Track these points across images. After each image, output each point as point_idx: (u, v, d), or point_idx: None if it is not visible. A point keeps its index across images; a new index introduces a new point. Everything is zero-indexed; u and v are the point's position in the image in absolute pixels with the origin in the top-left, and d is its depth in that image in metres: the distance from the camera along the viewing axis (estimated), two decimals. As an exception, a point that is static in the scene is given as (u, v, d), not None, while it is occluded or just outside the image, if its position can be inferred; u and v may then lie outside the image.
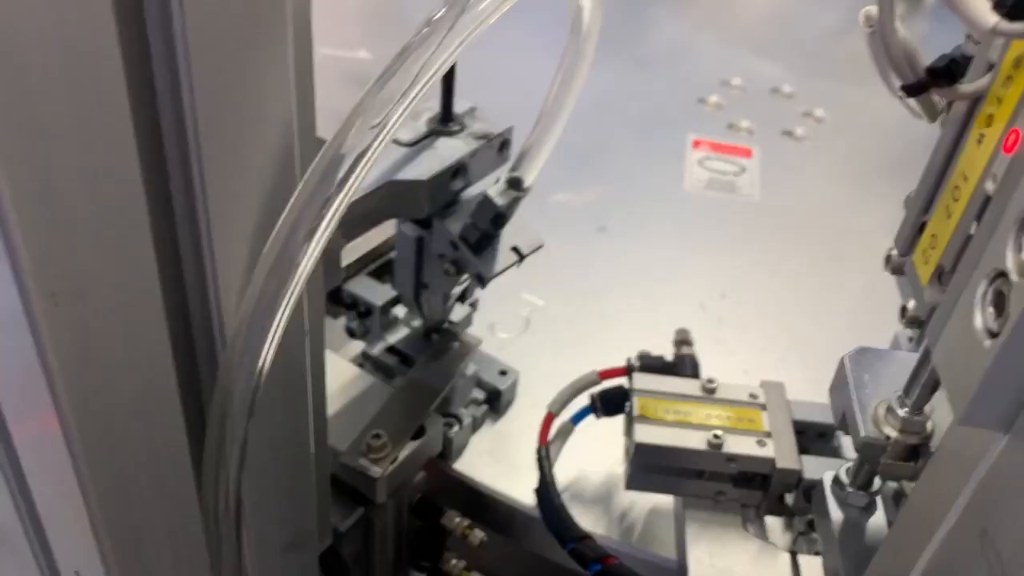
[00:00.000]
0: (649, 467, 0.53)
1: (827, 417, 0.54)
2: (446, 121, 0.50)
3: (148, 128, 0.30)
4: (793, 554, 0.52)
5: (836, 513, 0.47)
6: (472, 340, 0.59)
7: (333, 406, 0.55)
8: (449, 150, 0.49)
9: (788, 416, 0.54)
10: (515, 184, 0.49)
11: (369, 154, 0.32)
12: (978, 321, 0.28)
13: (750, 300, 0.79)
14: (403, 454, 0.53)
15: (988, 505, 0.29)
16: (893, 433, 0.41)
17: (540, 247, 0.52)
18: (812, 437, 0.54)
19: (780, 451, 0.52)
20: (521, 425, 0.65)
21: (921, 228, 0.38)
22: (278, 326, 0.32)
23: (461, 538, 0.58)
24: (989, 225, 0.31)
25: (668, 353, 0.58)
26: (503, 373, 0.65)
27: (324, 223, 0.32)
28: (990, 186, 0.31)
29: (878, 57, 0.33)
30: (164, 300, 0.33)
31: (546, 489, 0.52)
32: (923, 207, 0.38)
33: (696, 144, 0.96)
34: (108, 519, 0.35)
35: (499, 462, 0.63)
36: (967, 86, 0.33)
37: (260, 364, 0.33)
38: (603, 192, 0.88)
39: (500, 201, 0.48)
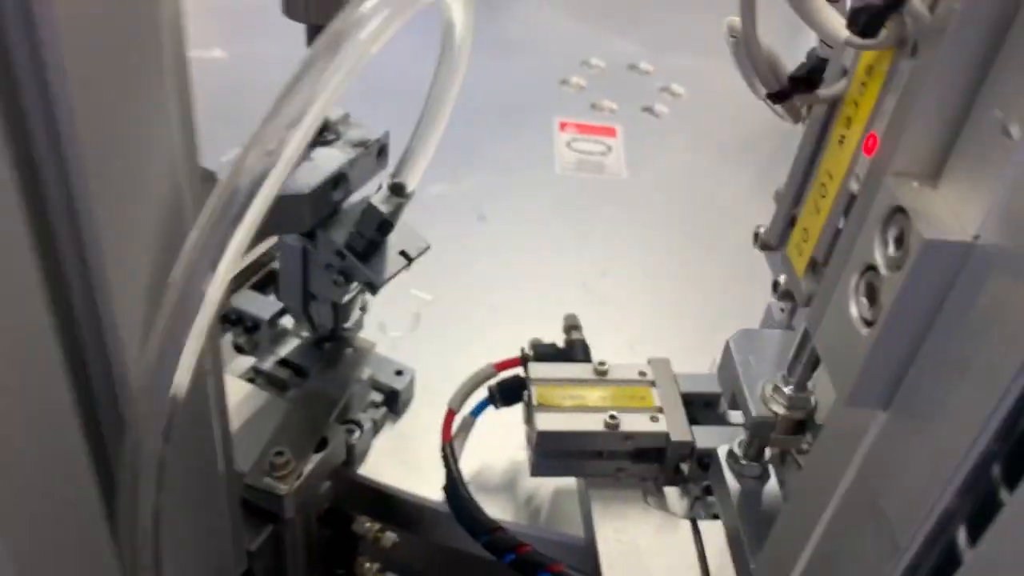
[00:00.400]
0: (552, 452, 0.54)
1: (712, 387, 0.58)
2: (321, 131, 0.49)
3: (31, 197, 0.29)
4: (693, 520, 0.54)
5: (733, 484, 0.50)
6: (366, 344, 0.59)
7: (231, 426, 0.54)
8: (327, 160, 0.48)
9: (676, 390, 0.56)
10: (398, 190, 0.49)
11: (269, 180, 0.33)
12: (853, 311, 0.29)
13: (629, 276, 0.81)
14: (308, 468, 0.53)
15: (874, 476, 0.32)
16: (781, 410, 0.44)
17: (427, 249, 0.52)
18: (699, 407, 0.57)
19: (672, 425, 0.54)
20: (422, 423, 0.65)
21: (792, 221, 0.40)
22: (188, 366, 0.33)
23: (373, 542, 0.58)
24: (856, 221, 0.33)
25: (559, 339, 0.60)
26: (399, 373, 0.65)
27: (229, 251, 0.32)
28: (854, 185, 0.33)
29: (743, 65, 0.35)
30: (63, 358, 0.32)
31: (455, 485, 0.53)
32: (792, 201, 0.40)
33: (563, 126, 0.98)
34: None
35: (404, 462, 0.63)
36: (826, 91, 0.35)
37: (170, 408, 0.33)
38: (479, 180, 0.89)
39: (384, 208, 0.48)
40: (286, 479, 0.52)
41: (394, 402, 0.65)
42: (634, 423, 0.54)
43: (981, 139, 0.27)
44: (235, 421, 0.55)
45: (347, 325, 0.58)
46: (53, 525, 0.35)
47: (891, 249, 0.28)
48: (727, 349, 0.46)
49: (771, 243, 0.42)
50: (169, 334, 0.32)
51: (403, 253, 0.51)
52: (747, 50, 0.34)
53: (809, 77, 0.35)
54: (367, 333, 0.64)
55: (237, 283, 0.56)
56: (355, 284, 0.53)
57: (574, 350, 0.58)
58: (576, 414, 0.54)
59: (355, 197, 0.51)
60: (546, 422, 0.53)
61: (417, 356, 0.67)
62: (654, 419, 0.54)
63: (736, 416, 0.58)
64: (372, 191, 0.51)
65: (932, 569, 0.28)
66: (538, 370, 0.56)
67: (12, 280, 0.30)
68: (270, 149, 0.33)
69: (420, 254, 0.52)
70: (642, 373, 0.57)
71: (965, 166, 0.28)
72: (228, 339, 0.60)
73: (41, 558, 0.35)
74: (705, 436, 0.55)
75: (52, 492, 0.35)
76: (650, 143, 0.97)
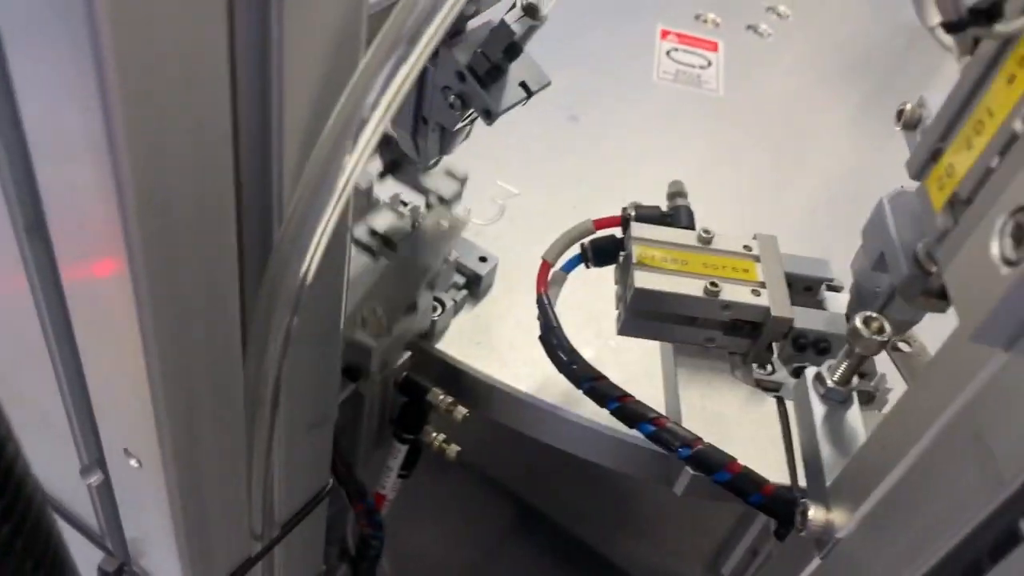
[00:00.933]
0: (644, 313, 0.53)
1: (815, 271, 0.57)
2: None
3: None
4: (780, 399, 0.53)
5: (818, 407, 0.48)
6: (459, 219, 0.58)
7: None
8: None
9: (781, 267, 0.54)
10: (531, 11, 0.47)
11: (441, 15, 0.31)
12: (995, 249, 0.29)
13: (712, 195, 0.80)
14: (397, 327, 0.53)
15: (983, 412, 0.32)
16: (933, 268, 0.42)
17: (548, 84, 0.51)
18: (799, 290, 0.56)
19: (774, 301, 0.53)
20: (499, 309, 0.66)
21: (935, 155, 0.39)
22: (326, 226, 0.32)
23: (445, 413, 0.59)
24: (1013, 162, 0.32)
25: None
26: (483, 259, 0.66)
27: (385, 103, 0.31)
28: (1019, 125, 0.33)
29: None
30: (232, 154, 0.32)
31: (553, 333, 0.52)
32: (940, 136, 0.39)
33: (664, 34, 0.96)
34: (167, 388, 0.35)
35: (478, 344, 0.64)
36: (1005, 26, 0.34)
37: (306, 266, 0.33)
38: (573, 78, 0.88)
39: (516, 29, 0.47)
40: (377, 335, 0.52)
41: (476, 286, 0.66)
42: (735, 293, 0.52)
43: None
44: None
45: (446, 195, 0.57)
46: (197, 347, 0.36)
47: None
48: (879, 206, 0.44)
49: (910, 173, 0.41)
50: (312, 200, 0.32)
51: (523, 85, 0.50)
52: None
53: (990, 10, 0.34)
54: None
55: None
56: (470, 111, 0.51)
57: (678, 216, 0.57)
58: (676, 276, 0.53)
59: (480, 20, 0.49)
60: (644, 280, 0.52)
61: (499, 245, 0.68)
62: (755, 292, 0.53)
63: (834, 302, 0.57)
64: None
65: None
66: (640, 230, 0.54)
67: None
68: None
69: (541, 88, 0.51)
70: (747, 247, 0.55)
71: None
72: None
73: (186, 394, 0.36)
74: (803, 318, 0.53)
75: (205, 322, 0.35)
76: (751, 62, 0.95)
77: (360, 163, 0.32)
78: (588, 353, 0.52)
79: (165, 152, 0.29)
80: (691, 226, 0.57)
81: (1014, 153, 0.33)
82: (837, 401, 0.48)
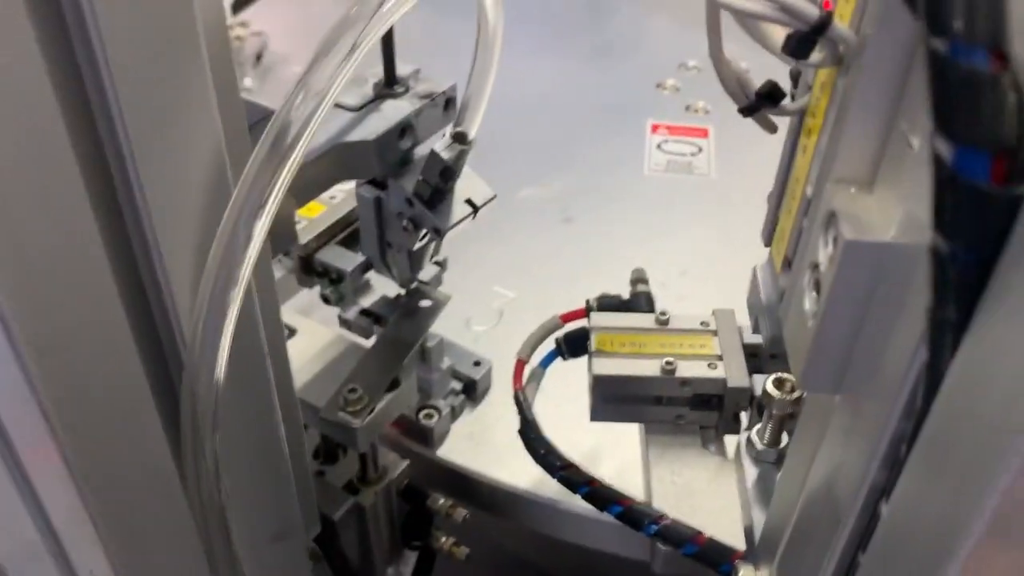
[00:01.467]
0: (610, 398, 0.55)
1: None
2: (391, 84, 0.54)
3: (89, 159, 0.33)
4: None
5: (751, 470, 0.51)
6: (441, 297, 0.63)
7: (312, 370, 0.60)
8: (394, 111, 0.53)
9: (738, 339, 0.56)
10: (460, 138, 0.53)
11: (314, 120, 0.35)
12: (807, 304, 0.32)
13: (709, 275, 0.83)
14: (379, 405, 0.57)
15: (829, 457, 0.34)
16: None
17: (493, 198, 0.56)
18: (765, 358, 0.56)
19: (731, 372, 0.54)
20: (498, 411, 0.70)
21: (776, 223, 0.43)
22: (232, 317, 0.35)
23: (446, 517, 0.63)
24: (809, 223, 0.36)
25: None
26: (477, 364, 0.71)
27: (274, 191, 0.35)
28: (809, 190, 0.36)
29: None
30: (127, 313, 0.36)
31: (528, 427, 0.55)
32: (776, 204, 0.43)
33: (655, 128, 1.01)
34: (108, 524, 0.38)
35: (479, 445, 0.67)
36: (791, 105, 0.39)
37: (220, 357, 0.35)
38: (567, 184, 0.93)
39: (446, 155, 0.52)
40: (359, 414, 0.56)
41: (473, 390, 0.70)
42: (691, 369, 0.54)
43: (896, 150, 0.30)
44: (317, 364, 0.60)
45: (425, 279, 0.62)
46: (126, 467, 0.38)
47: (830, 248, 0.31)
48: (753, 273, 0.47)
49: (763, 240, 0.44)
50: (211, 301, 0.34)
51: (469, 201, 0.55)
52: (715, 67, 0.37)
53: (771, 93, 0.38)
54: (452, 326, 0.70)
55: (325, 239, 0.62)
56: (424, 231, 0.57)
57: (638, 302, 0.60)
58: (633, 359, 0.55)
59: (425, 148, 0.55)
60: (602, 367, 0.55)
61: (499, 349, 0.71)
62: (712, 366, 0.55)
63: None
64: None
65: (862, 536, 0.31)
66: (599, 319, 0.58)
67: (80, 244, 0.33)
68: (318, 90, 0.35)
69: (486, 202, 0.55)
70: (704, 323, 0.58)
71: (889, 174, 0.30)
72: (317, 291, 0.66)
73: (129, 526, 0.39)
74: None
75: (136, 469, 0.38)
76: (742, 143, 0.98)
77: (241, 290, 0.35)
78: (593, 437, 0.53)
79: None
80: (651, 310, 0.60)
81: (809, 215, 0.36)
82: (770, 462, 0.49)
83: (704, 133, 1.00)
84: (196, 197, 0.36)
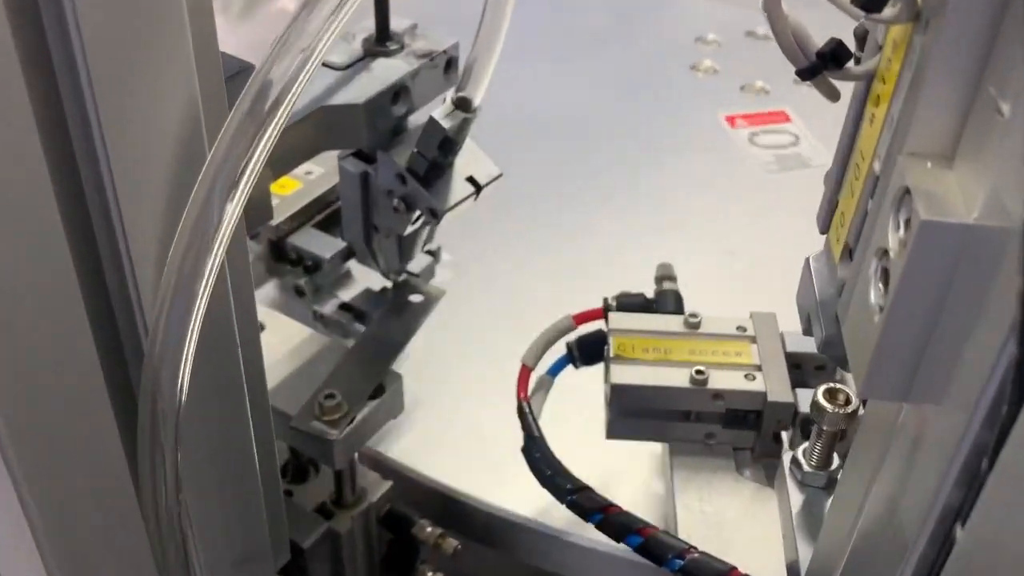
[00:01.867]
0: (630, 411, 0.50)
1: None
2: (383, 41, 0.48)
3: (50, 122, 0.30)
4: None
5: (796, 496, 0.47)
6: (435, 292, 0.57)
7: (283, 371, 0.53)
8: (387, 71, 0.48)
9: (780, 347, 0.51)
10: (463, 104, 0.47)
11: (299, 81, 0.31)
12: (872, 297, 0.30)
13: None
14: (361, 414, 0.51)
15: (894, 473, 0.32)
16: None
17: (499, 176, 0.50)
18: (810, 371, 0.51)
19: (771, 384, 0.49)
20: (497, 424, 0.59)
21: (835, 205, 0.39)
22: (201, 305, 0.31)
23: (434, 548, 0.56)
24: (876, 204, 0.33)
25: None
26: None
27: (252, 162, 0.31)
28: (877, 166, 0.33)
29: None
30: (82, 293, 0.33)
31: (533, 444, 0.49)
32: (836, 185, 0.39)
33: (731, 121, 0.86)
34: (50, 539, 0.35)
35: (473, 464, 0.60)
36: (856, 68, 0.35)
37: (185, 352, 0.32)
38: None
39: (447, 124, 0.47)
40: (336, 424, 0.50)
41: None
42: (726, 380, 0.49)
43: (982, 118, 0.28)
44: (289, 366, 0.54)
45: (415, 270, 0.56)
46: (78, 476, 0.36)
47: (901, 232, 0.28)
48: (805, 266, 0.42)
49: (819, 227, 0.40)
50: (177, 285, 0.31)
51: (471, 179, 0.49)
52: (770, 22, 0.33)
53: (835, 53, 0.34)
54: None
55: (300, 221, 0.56)
56: (418, 213, 0.51)
57: (664, 301, 0.54)
58: (658, 367, 0.50)
59: (422, 116, 0.49)
60: (621, 375, 0.49)
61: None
62: (750, 377, 0.49)
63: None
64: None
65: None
66: (620, 320, 0.52)
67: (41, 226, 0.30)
68: (304, 46, 0.31)
69: (490, 181, 0.50)
70: (741, 328, 0.52)
71: (972, 146, 0.28)
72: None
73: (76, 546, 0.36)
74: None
75: (87, 479, 0.36)
76: (824, 117, 0.80)
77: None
78: (609, 457, 0.50)
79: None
80: (679, 311, 0.54)
81: (877, 195, 0.32)
82: (818, 487, 0.44)
83: (786, 117, 0.86)
84: (166, 160, 0.33)
